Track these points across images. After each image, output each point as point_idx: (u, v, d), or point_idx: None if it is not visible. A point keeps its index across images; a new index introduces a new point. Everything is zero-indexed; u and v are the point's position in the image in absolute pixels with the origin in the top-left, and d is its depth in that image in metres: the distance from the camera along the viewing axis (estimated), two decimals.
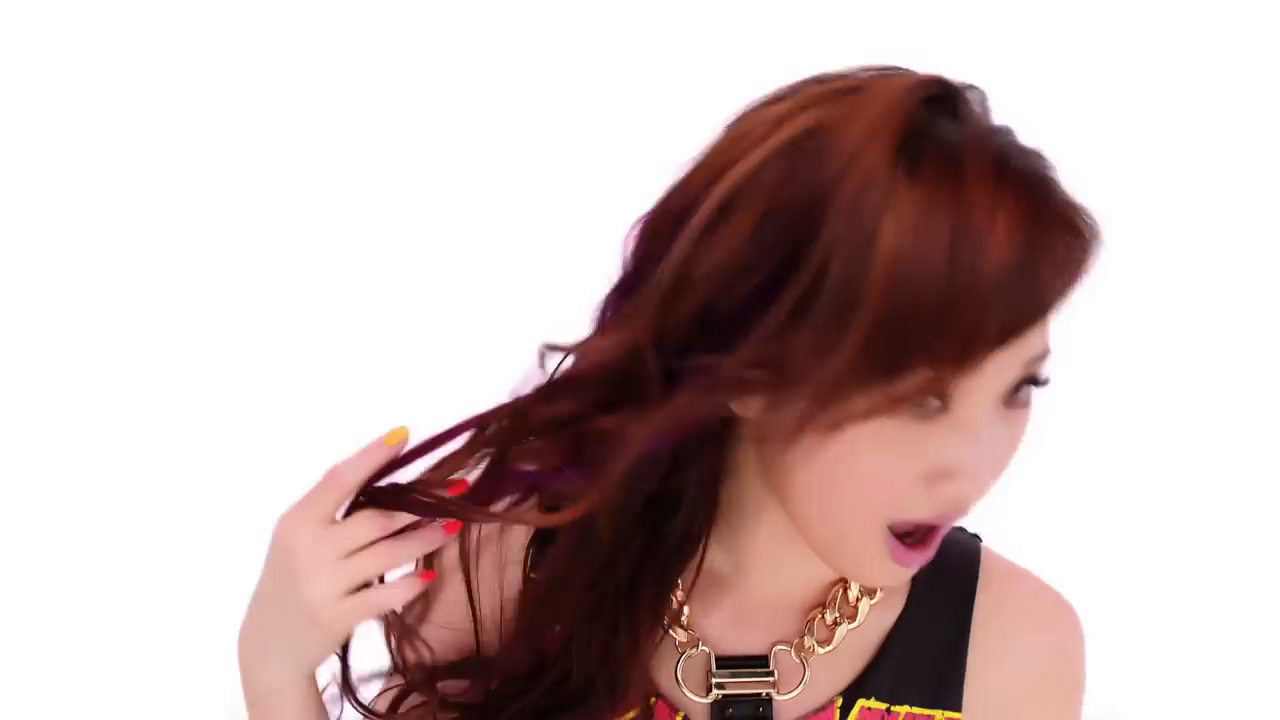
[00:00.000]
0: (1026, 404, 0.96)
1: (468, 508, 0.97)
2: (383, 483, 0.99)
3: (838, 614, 1.10)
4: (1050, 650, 1.12)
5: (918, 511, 0.95)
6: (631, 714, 1.08)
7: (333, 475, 0.98)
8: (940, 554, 1.04)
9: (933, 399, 0.91)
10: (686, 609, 1.09)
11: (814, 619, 1.10)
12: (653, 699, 1.08)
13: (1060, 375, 2.27)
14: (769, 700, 1.08)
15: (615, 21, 2.18)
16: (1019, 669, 1.11)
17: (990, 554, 1.15)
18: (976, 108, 0.93)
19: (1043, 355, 0.94)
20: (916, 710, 1.09)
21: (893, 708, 1.09)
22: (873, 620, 1.11)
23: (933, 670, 1.10)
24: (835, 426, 0.90)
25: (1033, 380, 0.95)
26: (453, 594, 1.07)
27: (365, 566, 0.98)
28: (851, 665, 1.10)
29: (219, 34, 2.35)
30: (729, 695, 1.08)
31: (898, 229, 0.86)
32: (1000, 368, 0.91)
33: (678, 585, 1.08)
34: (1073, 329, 2.30)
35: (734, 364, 0.89)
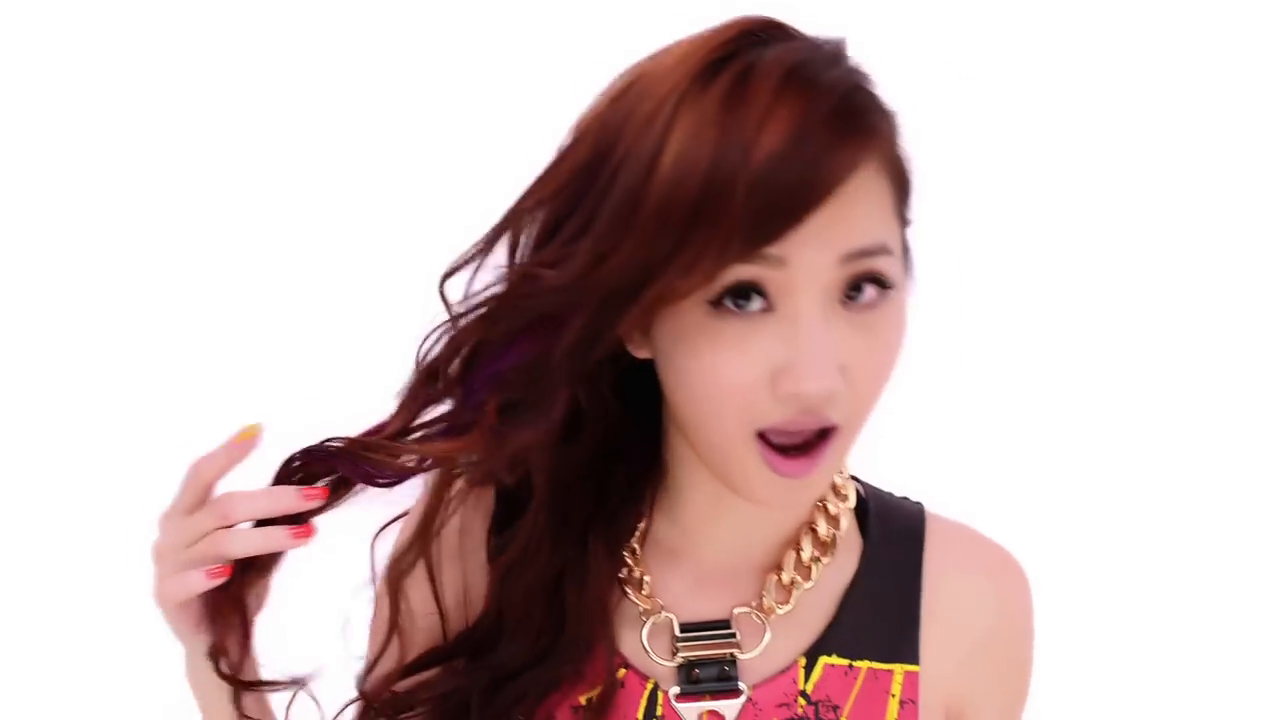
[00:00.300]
0: (874, 305, 1.00)
1: (397, 458, 1.04)
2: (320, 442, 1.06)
3: (793, 575, 1.13)
4: (999, 599, 1.17)
5: (774, 415, 0.99)
6: (601, 686, 1.11)
7: (192, 469, 1.06)
8: (885, 519, 1.16)
9: (756, 299, 0.97)
10: (647, 578, 1.13)
11: (770, 580, 1.13)
12: (621, 671, 1.12)
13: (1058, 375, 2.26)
14: (734, 660, 1.11)
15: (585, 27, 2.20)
16: (971, 619, 1.16)
17: (934, 515, 1.19)
18: (799, 39, 1.00)
19: (866, 253, 0.98)
20: (876, 665, 1.13)
21: (854, 663, 1.13)
22: (828, 580, 1.15)
23: (889, 625, 1.14)
24: (647, 327, 1.00)
25: (871, 280, 0.99)
26: (417, 596, 1.12)
27: (195, 556, 1.05)
28: (811, 625, 1.14)
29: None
30: (694, 658, 1.11)
31: (679, 137, 0.94)
32: (813, 264, 0.97)
33: (635, 552, 1.13)
34: (1071, 328, 2.29)
35: (531, 264, 1.00)
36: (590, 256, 0.97)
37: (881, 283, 1.00)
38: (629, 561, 1.14)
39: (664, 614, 1.13)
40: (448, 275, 1.04)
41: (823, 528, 1.15)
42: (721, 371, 0.99)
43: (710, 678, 1.11)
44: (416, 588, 1.12)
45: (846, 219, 0.97)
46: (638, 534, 1.13)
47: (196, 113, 2.33)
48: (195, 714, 1.23)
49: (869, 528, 1.17)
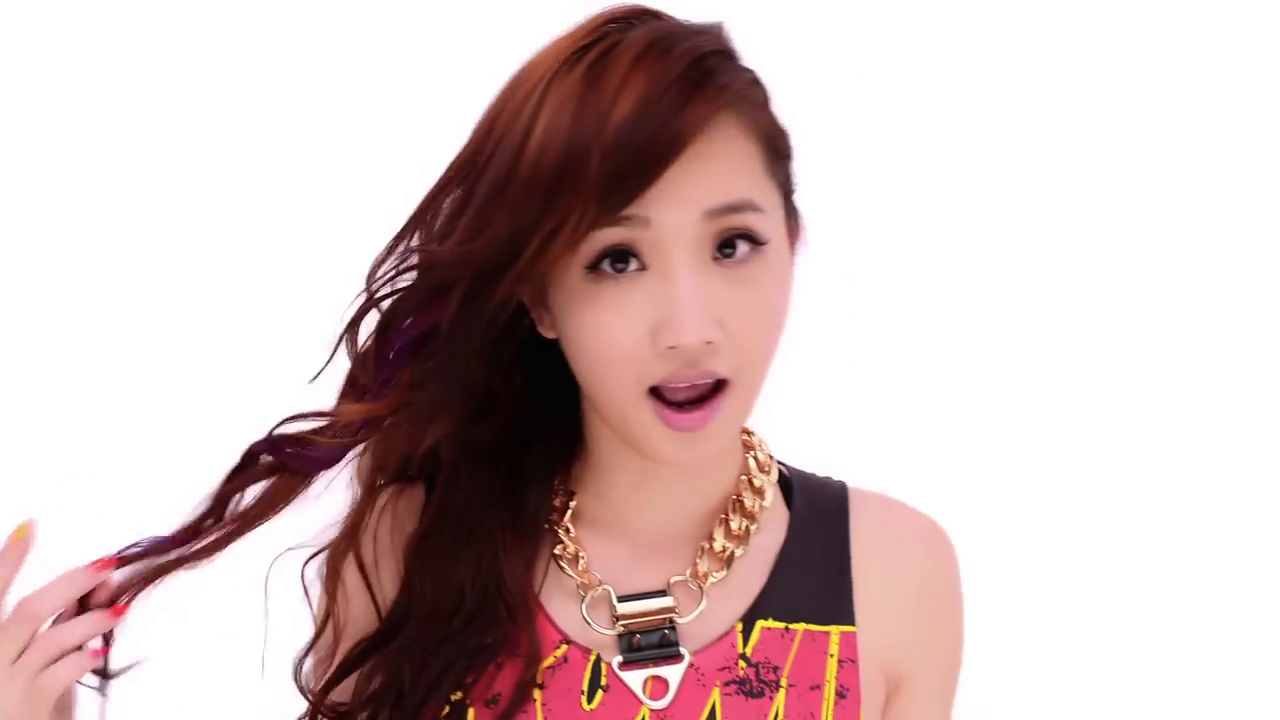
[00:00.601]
0: (748, 261, 1.05)
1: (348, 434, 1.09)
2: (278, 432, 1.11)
3: (724, 543, 1.18)
4: (928, 559, 1.22)
5: (659, 370, 1.04)
6: (549, 661, 1.15)
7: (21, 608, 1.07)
8: (809, 492, 1.22)
9: (632, 261, 1.04)
10: (581, 553, 1.18)
11: (703, 549, 1.17)
12: (563, 647, 1.15)
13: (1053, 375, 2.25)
14: (673, 626, 1.15)
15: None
16: (902, 580, 1.20)
17: (857, 488, 1.24)
18: (667, 20, 1.08)
19: (732, 209, 1.04)
20: (813, 627, 1.17)
21: (790, 626, 1.17)
22: (758, 548, 1.19)
23: (822, 589, 1.18)
24: (537, 296, 1.07)
25: (742, 236, 1.05)
26: (357, 604, 1.16)
27: (35, 661, 1.06)
28: (746, 592, 1.18)
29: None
30: (634, 626, 1.15)
31: (545, 114, 1.02)
32: (677, 221, 1.03)
33: (568, 530, 1.18)
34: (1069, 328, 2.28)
35: (422, 242, 1.08)
36: (468, 230, 1.04)
37: (753, 239, 1.06)
38: (563, 538, 1.18)
39: (602, 587, 1.16)
40: (375, 269, 1.11)
41: (749, 499, 1.19)
42: (605, 333, 1.05)
43: (651, 644, 1.15)
44: (356, 593, 1.16)
45: (706, 176, 1.03)
46: (569, 512, 1.18)
47: (196, 113, 2.32)
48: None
49: (794, 500, 1.22)
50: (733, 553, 1.18)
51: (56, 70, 2.29)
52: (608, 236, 1.03)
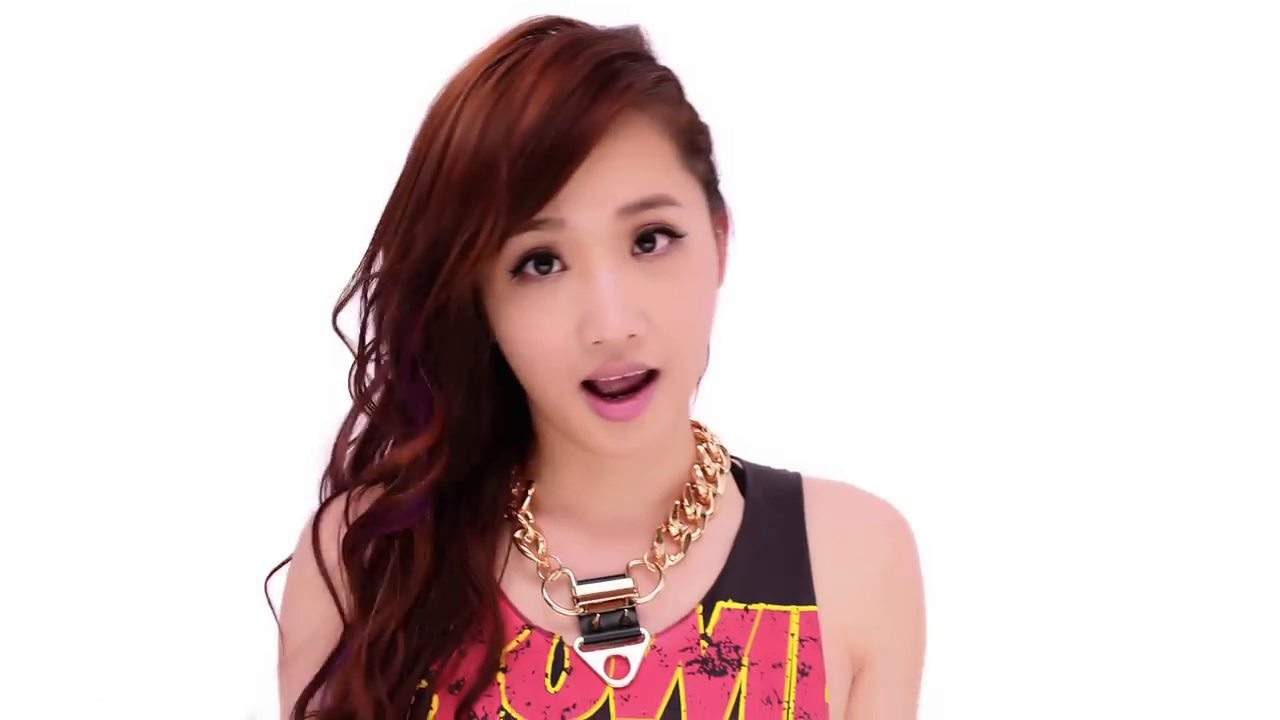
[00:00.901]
0: (668, 254, 1.09)
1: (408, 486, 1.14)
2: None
3: (680, 527, 1.21)
4: (885, 540, 1.24)
5: (588, 365, 1.09)
6: (511, 646, 1.17)
7: None
8: (763, 481, 1.26)
9: (555, 263, 1.08)
10: (541, 539, 1.21)
11: (660, 533, 1.21)
12: (525, 632, 1.18)
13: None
14: (633, 606, 1.18)
15: None
16: (860, 560, 1.23)
17: (810, 477, 1.27)
18: (580, 28, 1.12)
19: (645, 204, 1.08)
20: (772, 607, 1.20)
21: (750, 606, 1.19)
22: (715, 533, 1.22)
23: (780, 571, 1.21)
24: (443, 298, 1.09)
25: (660, 231, 1.09)
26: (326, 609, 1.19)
27: None
28: (705, 575, 1.20)
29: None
30: (594, 607, 1.18)
31: (460, 127, 1.06)
32: (591, 221, 1.07)
33: (528, 517, 1.21)
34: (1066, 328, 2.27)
35: (365, 261, 1.13)
36: (397, 248, 1.10)
37: (670, 232, 1.09)
38: (522, 523, 1.21)
39: (561, 570, 1.19)
40: (339, 306, 1.17)
41: (703, 486, 1.22)
42: (533, 333, 1.09)
43: (611, 625, 1.17)
44: (322, 597, 1.19)
45: (616, 175, 1.07)
46: (528, 500, 1.22)
47: (196, 114, 2.31)
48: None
49: (748, 489, 1.25)
50: (689, 536, 1.21)
51: (57, 70, 2.29)
52: (526, 241, 1.07)
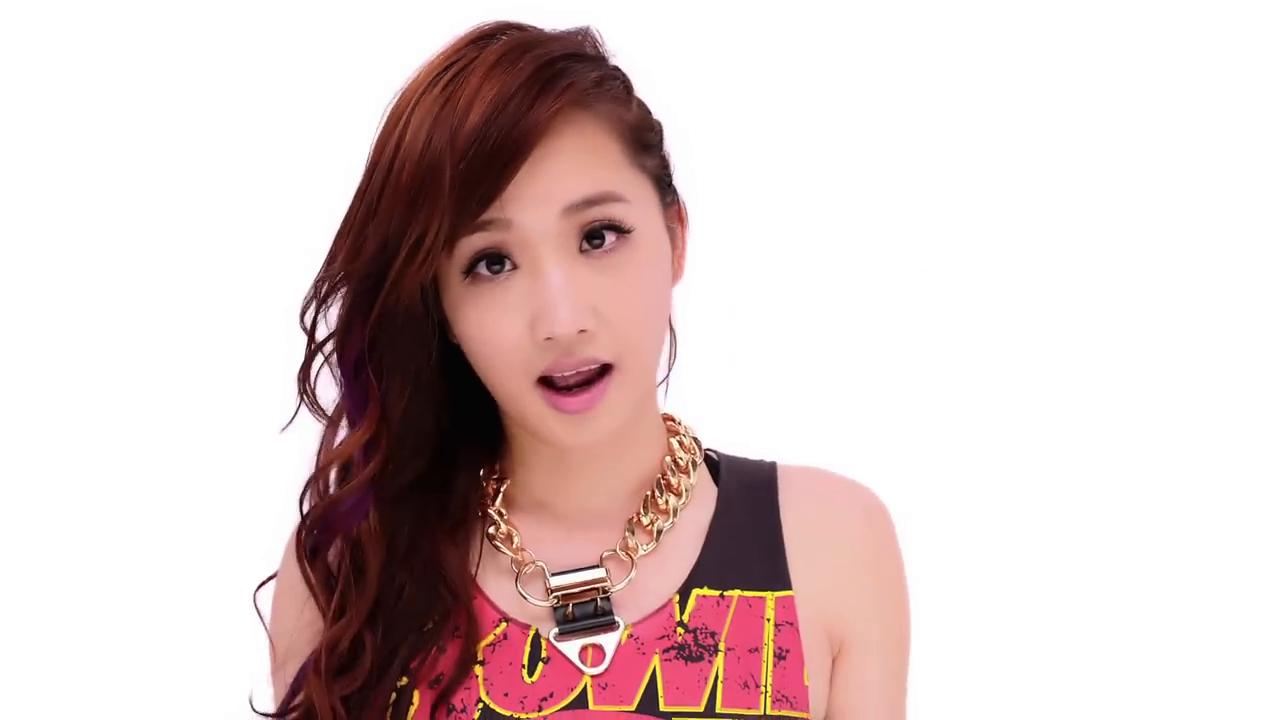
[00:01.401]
0: (616, 249, 1.12)
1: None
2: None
3: (652, 517, 1.23)
4: (861, 523, 1.24)
5: (542, 361, 1.11)
6: (489, 639, 1.19)
7: None
8: (737, 471, 1.27)
9: (506, 262, 1.11)
10: (515, 533, 1.23)
11: (631, 523, 1.22)
12: (501, 625, 1.20)
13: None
14: (606, 596, 1.19)
15: None
16: (834, 542, 1.23)
17: (785, 464, 1.28)
18: (529, 31, 1.15)
19: (590, 202, 1.10)
20: (747, 593, 1.20)
21: (725, 593, 1.20)
22: (688, 523, 1.23)
23: (755, 558, 1.22)
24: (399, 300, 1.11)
25: (607, 227, 1.11)
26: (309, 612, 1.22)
27: None
28: (680, 565, 1.22)
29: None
30: (567, 596, 1.19)
31: (409, 133, 1.09)
32: (536, 220, 1.09)
33: (501, 514, 1.24)
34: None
35: (324, 264, 1.16)
36: (349, 246, 1.13)
37: (617, 228, 1.12)
38: (495, 519, 1.24)
39: (535, 563, 1.21)
40: (305, 307, 1.19)
41: (674, 478, 1.24)
42: (488, 330, 1.12)
43: (585, 615, 1.19)
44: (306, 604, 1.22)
45: (559, 174, 1.10)
46: (500, 497, 1.24)
47: (198, 117, 2.29)
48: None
49: (721, 478, 1.27)
50: (660, 526, 1.22)
51: (57, 70, 2.29)
52: (475, 242, 1.10)
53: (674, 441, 1.26)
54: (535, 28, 1.16)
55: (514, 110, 1.07)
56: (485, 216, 1.09)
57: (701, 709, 1.16)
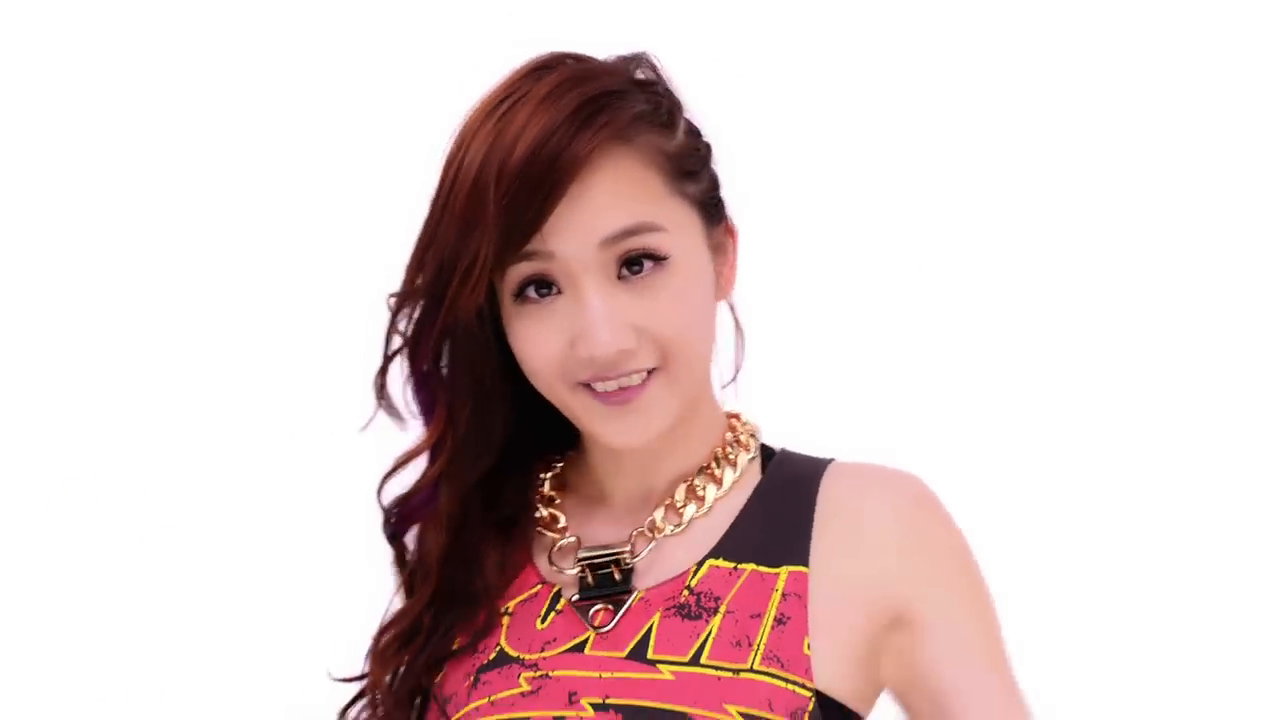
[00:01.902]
0: (651, 274, 1.19)
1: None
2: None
3: (684, 498, 1.29)
4: (908, 507, 1.25)
5: (583, 373, 1.20)
6: (523, 596, 1.31)
7: None
8: (788, 464, 1.31)
9: (552, 287, 1.19)
10: (561, 516, 1.33)
11: (663, 506, 1.29)
12: (536, 586, 1.31)
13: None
14: (628, 571, 1.27)
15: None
16: (881, 530, 1.23)
17: (843, 461, 1.30)
18: (585, 63, 1.22)
19: (626, 233, 1.18)
20: (761, 568, 1.24)
21: (739, 565, 1.25)
22: (723, 509, 1.29)
23: (777, 540, 1.25)
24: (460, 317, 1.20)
25: (645, 256, 1.19)
26: None
27: None
28: (705, 542, 1.28)
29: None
30: (590, 564, 1.28)
31: (466, 161, 1.17)
32: (577, 252, 1.17)
33: (552, 500, 1.35)
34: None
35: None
36: (412, 268, 1.24)
37: (654, 256, 1.19)
38: (539, 506, 1.34)
39: (569, 537, 1.32)
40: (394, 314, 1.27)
41: (717, 468, 1.30)
42: (533, 346, 1.22)
43: (604, 583, 1.27)
44: None
45: (596, 208, 1.17)
46: (548, 484, 1.36)
47: (203, 119, 2.32)
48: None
49: (769, 469, 1.31)
50: (691, 511, 1.28)
51: (58, 70, 2.29)
52: (522, 270, 1.19)
53: (728, 436, 1.32)
54: (591, 58, 1.23)
55: (554, 146, 1.14)
56: (530, 247, 1.17)
57: (686, 659, 1.21)
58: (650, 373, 1.21)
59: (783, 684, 1.19)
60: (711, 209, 1.26)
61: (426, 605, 1.31)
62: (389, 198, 2.06)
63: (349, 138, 2.28)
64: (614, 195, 1.18)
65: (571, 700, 1.22)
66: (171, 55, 2.31)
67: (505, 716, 1.24)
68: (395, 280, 1.26)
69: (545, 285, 1.20)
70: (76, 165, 2.31)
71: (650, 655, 1.22)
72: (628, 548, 1.28)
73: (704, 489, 1.29)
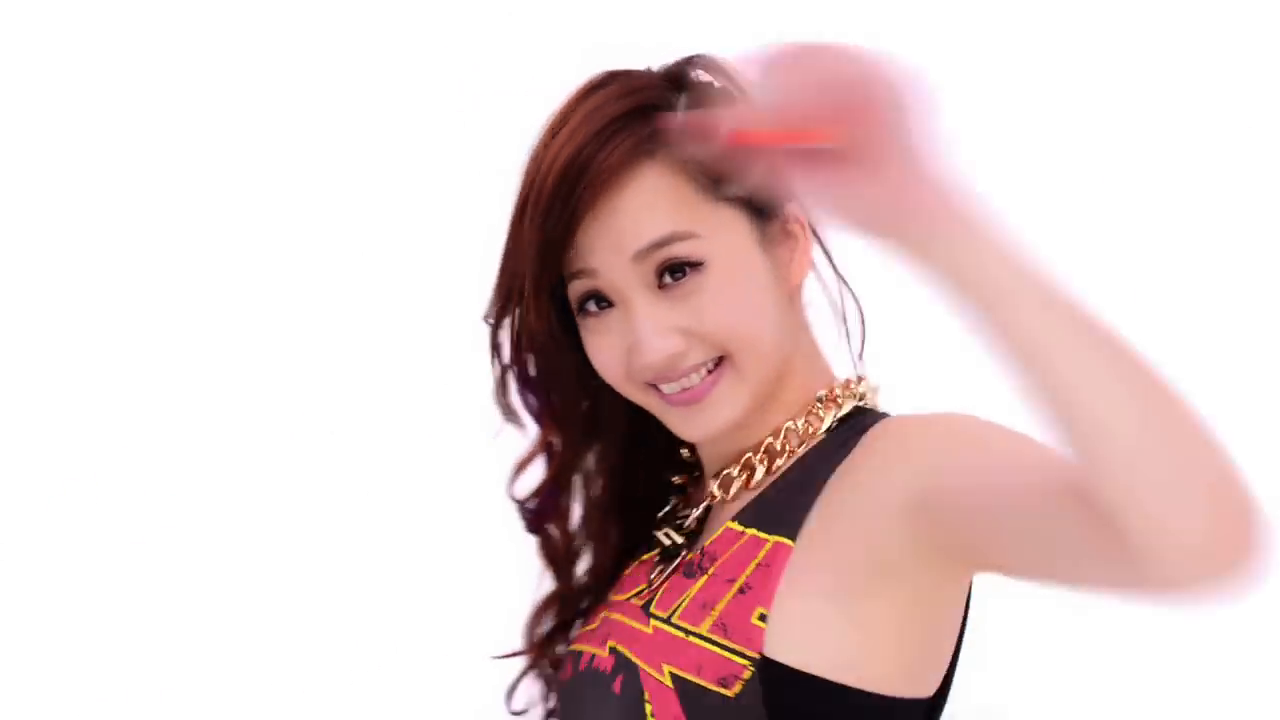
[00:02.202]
0: (690, 279, 1.23)
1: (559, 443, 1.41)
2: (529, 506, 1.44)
3: (733, 471, 1.33)
4: (875, 435, 1.22)
5: (644, 376, 1.27)
6: (645, 556, 1.41)
7: None
8: (855, 424, 1.28)
9: (606, 301, 1.27)
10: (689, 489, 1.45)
11: (715, 481, 1.35)
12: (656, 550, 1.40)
13: None
14: (688, 531, 1.35)
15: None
16: (868, 471, 1.19)
17: (897, 415, 1.27)
18: (632, 77, 1.27)
19: (657, 245, 1.23)
20: (760, 534, 1.26)
21: (746, 530, 1.27)
22: (775, 472, 1.31)
23: (788, 505, 1.25)
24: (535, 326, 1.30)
25: (683, 264, 1.23)
26: None
27: None
28: (736, 508, 1.31)
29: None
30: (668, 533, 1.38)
31: (523, 180, 1.25)
32: (613, 267, 1.24)
33: (694, 475, 1.44)
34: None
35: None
36: (494, 285, 1.31)
37: (689, 263, 1.23)
38: (675, 483, 1.45)
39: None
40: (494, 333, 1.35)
41: (777, 443, 1.31)
42: (599, 355, 1.30)
43: (672, 545, 1.36)
44: None
45: (624, 224, 1.23)
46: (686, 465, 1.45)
47: (199, 115, 2.31)
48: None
49: (831, 434, 1.30)
50: (738, 483, 1.32)
51: (58, 71, 2.28)
52: (577, 288, 1.28)
53: (816, 404, 1.31)
54: (639, 73, 1.28)
55: (579, 166, 1.21)
56: (576, 267, 1.26)
57: (666, 617, 1.26)
58: (718, 365, 1.26)
59: (718, 650, 1.20)
60: (762, 205, 1.27)
61: (574, 585, 1.45)
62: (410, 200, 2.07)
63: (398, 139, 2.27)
64: (642, 209, 1.23)
65: (603, 641, 1.33)
66: (197, 61, 2.31)
67: (574, 646, 1.40)
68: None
69: (601, 299, 1.27)
70: (135, 169, 2.31)
71: (651, 609, 1.29)
72: (689, 511, 1.37)
73: (760, 461, 1.31)
